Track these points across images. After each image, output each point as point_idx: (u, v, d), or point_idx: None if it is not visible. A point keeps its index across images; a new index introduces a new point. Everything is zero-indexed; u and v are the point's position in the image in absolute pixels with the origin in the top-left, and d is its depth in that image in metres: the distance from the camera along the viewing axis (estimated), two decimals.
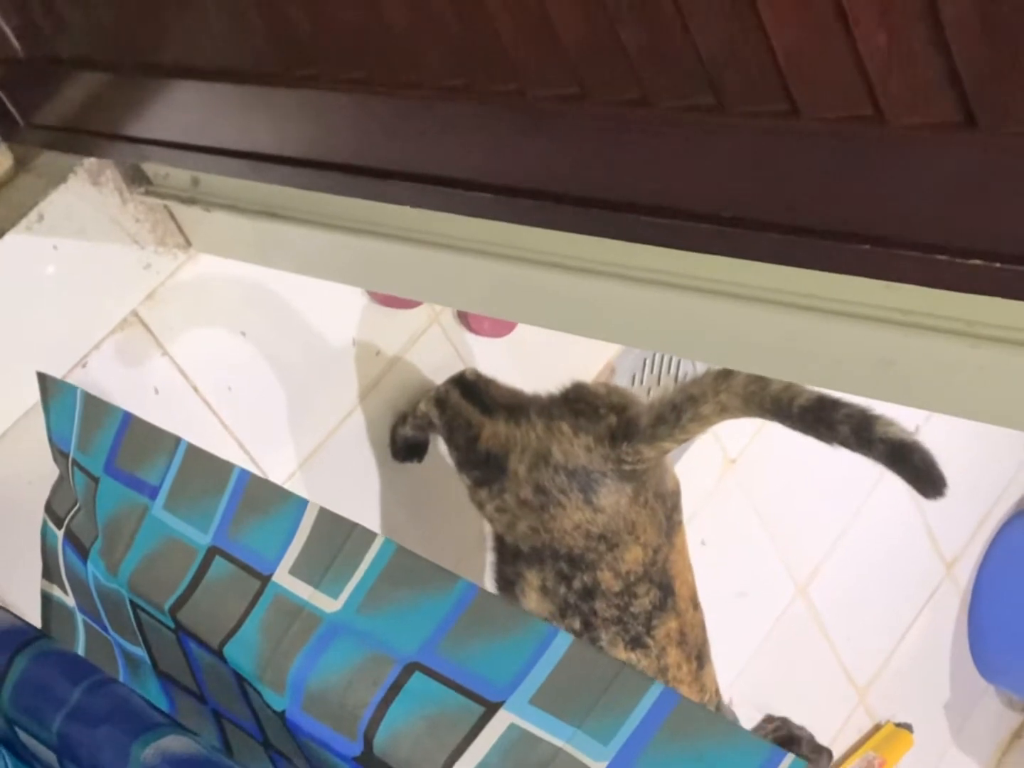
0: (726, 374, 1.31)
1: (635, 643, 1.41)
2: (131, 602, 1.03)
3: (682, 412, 1.33)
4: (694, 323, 0.91)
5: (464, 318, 1.74)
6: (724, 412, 1.33)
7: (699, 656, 1.49)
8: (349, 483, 1.65)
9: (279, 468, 1.58)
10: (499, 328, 1.77)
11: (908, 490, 2.52)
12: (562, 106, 0.76)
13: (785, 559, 2.33)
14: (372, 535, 0.88)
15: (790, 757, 0.68)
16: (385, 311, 1.65)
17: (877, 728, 2.59)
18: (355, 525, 0.90)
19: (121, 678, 1.14)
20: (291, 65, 0.94)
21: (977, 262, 0.64)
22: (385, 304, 1.64)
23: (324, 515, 0.92)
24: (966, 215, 0.63)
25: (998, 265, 0.63)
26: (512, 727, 0.76)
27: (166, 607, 0.97)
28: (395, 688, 0.81)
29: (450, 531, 1.78)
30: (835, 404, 1.25)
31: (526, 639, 0.79)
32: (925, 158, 0.62)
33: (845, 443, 1.24)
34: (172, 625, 0.97)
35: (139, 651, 1.08)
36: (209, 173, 1.23)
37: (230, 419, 1.53)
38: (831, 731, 2.51)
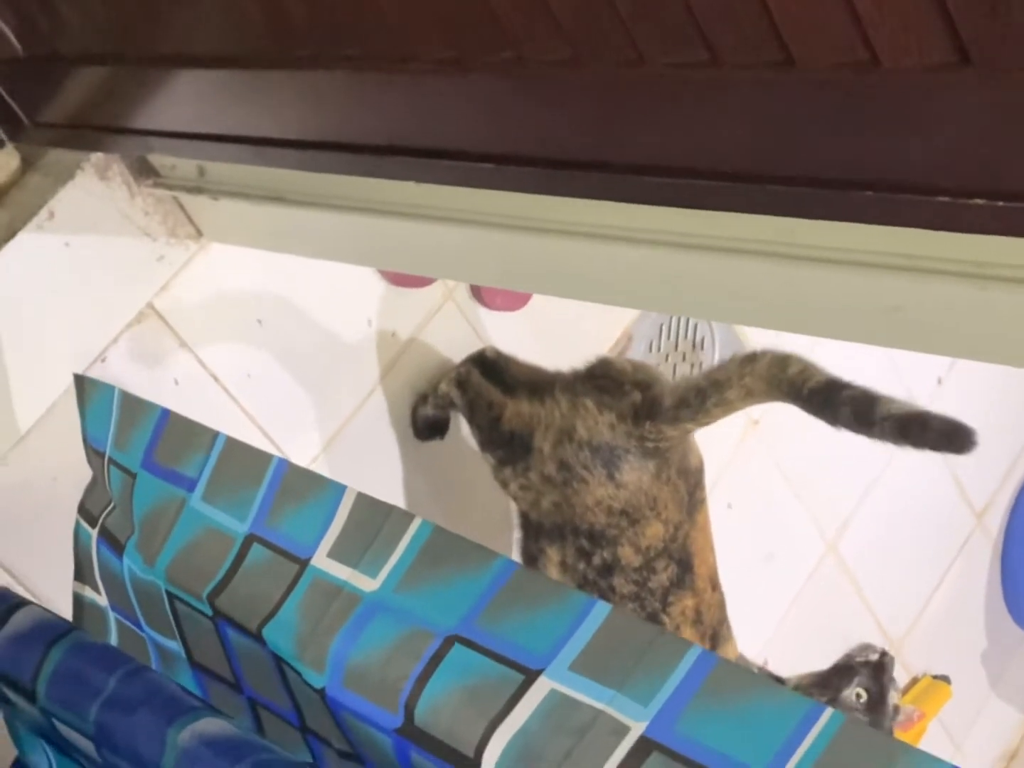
0: (751, 359, 1.31)
1: (651, 620, 1.42)
2: (167, 593, 1.04)
3: (707, 397, 1.33)
4: (702, 282, 0.91)
5: (477, 293, 1.74)
6: (749, 397, 1.33)
7: (713, 636, 1.49)
8: (372, 464, 1.66)
9: (302, 453, 1.59)
10: (513, 302, 1.77)
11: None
12: (558, 71, 0.76)
13: (813, 517, 2.33)
14: (410, 516, 0.89)
15: (828, 711, 0.68)
16: (399, 291, 1.65)
17: (915, 681, 2.59)
18: (393, 508, 0.91)
19: (154, 667, 1.15)
20: (288, 47, 0.94)
21: (980, 201, 0.63)
22: (398, 284, 1.64)
23: (362, 499, 0.93)
24: (966, 155, 0.63)
25: (1001, 203, 0.63)
26: (552, 692, 0.77)
27: (204, 595, 0.98)
28: (435, 660, 0.82)
29: (474, 508, 1.79)
30: (841, 386, 1.25)
31: (565, 609, 0.79)
32: (922, 100, 0.62)
33: (848, 425, 1.25)
34: (210, 612, 0.98)
35: (174, 644, 1.09)
36: (213, 161, 1.23)
37: (251, 406, 1.54)
38: None
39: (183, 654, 1.08)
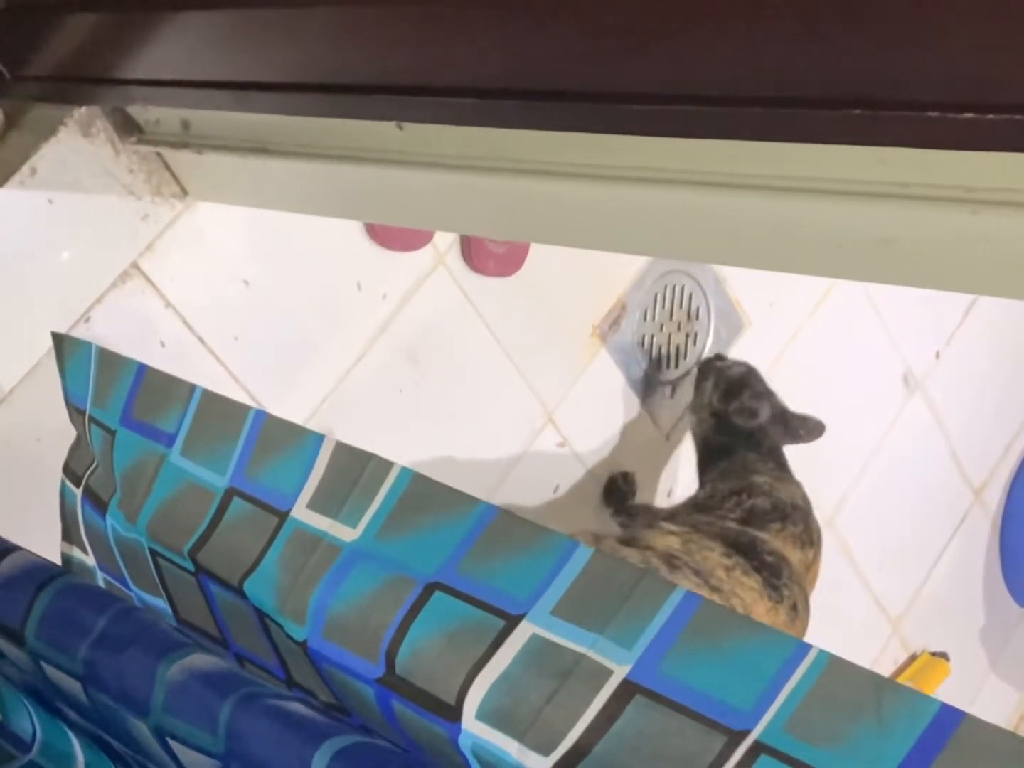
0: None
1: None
2: (150, 550, 1.03)
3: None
4: (692, 221, 0.89)
5: (469, 259, 1.72)
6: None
7: None
8: (362, 427, 1.64)
9: (291, 417, 1.56)
10: (505, 268, 1.76)
11: (932, 417, 2.51)
12: None
13: (809, 492, 2.31)
14: (389, 464, 0.87)
15: (815, 650, 0.67)
16: (389, 254, 1.63)
17: (913, 659, 2.57)
18: (372, 455, 0.89)
19: None
20: None
21: (970, 115, 0.62)
22: (388, 247, 1.62)
23: (340, 449, 0.91)
24: (954, 68, 0.61)
25: (991, 117, 0.61)
26: (534, 637, 0.75)
27: (185, 550, 0.96)
28: (416, 608, 0.80)
29: (466, 479, 1.77)
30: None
31: (546, 553, 0.78)
32: (908, 11, 0.60)
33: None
34: (192, 568, 0.97)
35: (160, 602, 1.07)
36: (194, 108, 1.21)
37: (238, 369, 1.52)
38: (865, 663, 2.49)
39: (169, 611, 1.06)
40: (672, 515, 1.76)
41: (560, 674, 0.73)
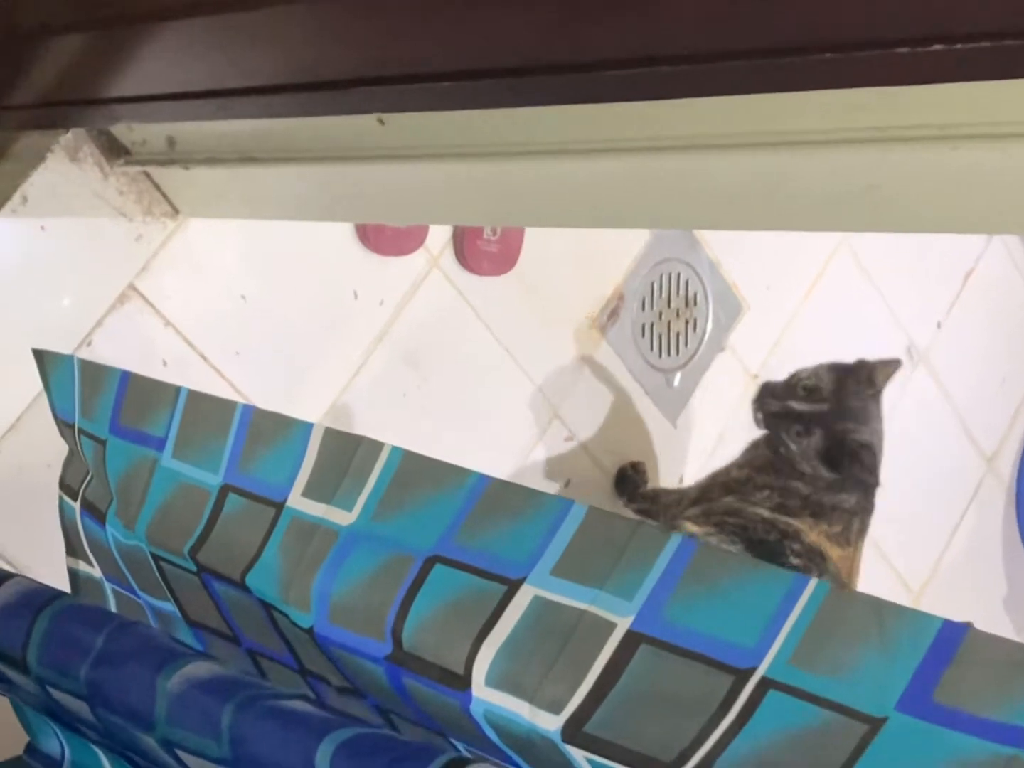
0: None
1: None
2: (152, 555, 1.03)
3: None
4: (671, 186, 0.90)
5: (463, 259, 1.73)
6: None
7: None
8: (369, 434, 1.64)
9: None
10: (500, 266, 1.77)
11: (938, 388, 2.50)
12: None
13: None
14: (380, 445, 0.88)
15: (813, 582, 0.67)
16: (382, 260, 1.64)
17: None
18: (362, 438, 0.89)
19: None
20: None
21: (938, 47, 0.62)
22: (380, 252, 1.63)
23: (330, 434, 0.91)
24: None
25: (959, 46, 0.62)
26: (536, 599, 0.76)
27: (185, 551, 0.97)
28: (417, 583, 0.81)
29: None
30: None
31: (541, 515, 0.78)
32: None
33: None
34: (194, 568, 0.97)
35: (168, 606, 1.08)
36: (177, 121, 1.22)
37: (242, 384, 1.53)
38: None
39: (179, 614, 1.06)
40: (699, 498, 1.72)
41: (564, 632, 0.74)
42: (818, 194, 0.83)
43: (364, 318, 1.64)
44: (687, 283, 2.02)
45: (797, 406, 1.68)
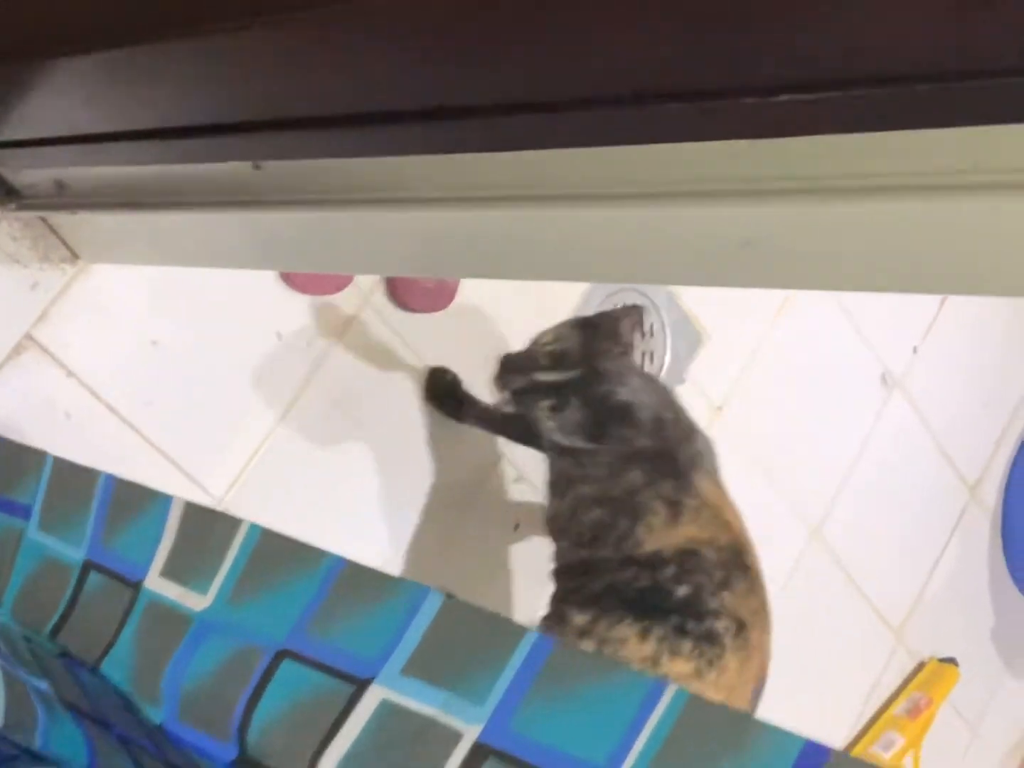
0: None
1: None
2: (22, 633, 0.97)
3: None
4: (542, 239, 0.81)
5: (396, 296, 1.64)
6: None
7: None
8: (297, 483, 1.56)
9: (218, 480, 1.49)
10: (437, 302, 1.68)
11: (916, 415, 2.41)
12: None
13: (792, 502, 2.22)
14: (237, 521, 0.84)
15: (672, 688, 0.63)
16: (308, 299, 1.56)
17: (921, 667, 2.47)
18: (219, 514, 0.86)
19: (40, 718, 1.08)
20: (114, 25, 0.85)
21: (784, 97, 0.55)
22: (304, 291, 1.55)
23: (191, 509, 0.87)
24: (763, 51, 0.54)
25: (804, 96, 0.54)
26: (383, 703, 0.72)
27: (47, 632, 0.92)
28: (264, 680, 0.77)
29: (420, 526, 1.69)
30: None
31: (396, 605, 0.74)
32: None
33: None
34: (56, 651, 0.92)
35: (44, 684, 1.02)
36: (51, 167, 1.14)
37: (155, 436, 1.44)
38: (871, 676, 2.39)
39: (53, 693, 1.00)
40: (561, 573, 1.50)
41: (409, 742, 0.70)
42: (692, 249, 0.76)
43: (290, 361, 1.55)
44: (644, 315, 1.94)
45: (544, 377, 1.43)
